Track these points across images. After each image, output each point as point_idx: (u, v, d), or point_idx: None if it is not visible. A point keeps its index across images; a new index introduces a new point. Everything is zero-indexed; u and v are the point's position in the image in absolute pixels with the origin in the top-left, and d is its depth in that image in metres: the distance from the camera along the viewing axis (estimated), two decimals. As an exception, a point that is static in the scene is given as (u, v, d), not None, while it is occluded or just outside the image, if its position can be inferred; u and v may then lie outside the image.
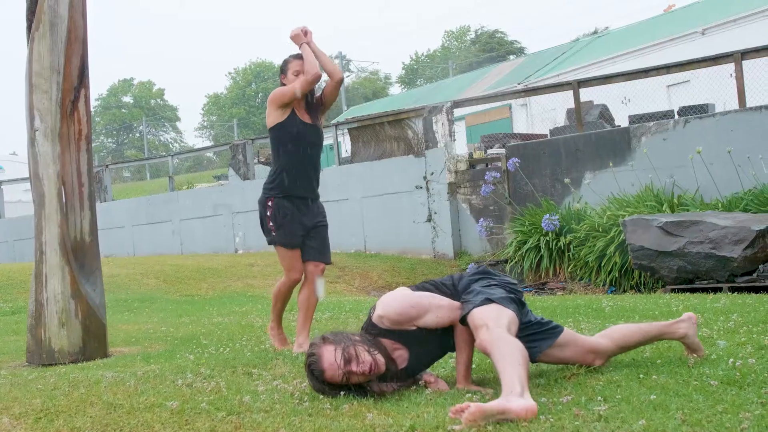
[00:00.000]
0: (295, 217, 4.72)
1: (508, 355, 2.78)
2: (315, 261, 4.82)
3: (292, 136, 4.72)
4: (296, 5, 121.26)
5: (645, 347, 3.71)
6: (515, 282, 3.40)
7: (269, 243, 4.82)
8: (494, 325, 2.97)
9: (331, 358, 3.08)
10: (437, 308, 3.23)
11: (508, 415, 2.56)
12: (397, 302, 3.26)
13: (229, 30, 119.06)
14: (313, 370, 3.13)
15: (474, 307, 3.11)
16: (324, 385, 3.13)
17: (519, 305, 3.26)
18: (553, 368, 3.50)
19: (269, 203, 4.74)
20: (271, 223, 4.72)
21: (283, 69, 4.82)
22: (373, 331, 3.26)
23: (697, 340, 3.51)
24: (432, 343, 3.31)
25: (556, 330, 3.37)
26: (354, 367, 3.07)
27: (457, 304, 3.25)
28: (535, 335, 3.32)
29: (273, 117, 4.76)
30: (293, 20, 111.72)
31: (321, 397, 3.16)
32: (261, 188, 4.88)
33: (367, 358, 3.09)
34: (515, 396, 2.60)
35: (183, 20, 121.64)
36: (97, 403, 3.28)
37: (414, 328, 3.24)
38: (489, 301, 3.12)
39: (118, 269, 11.81)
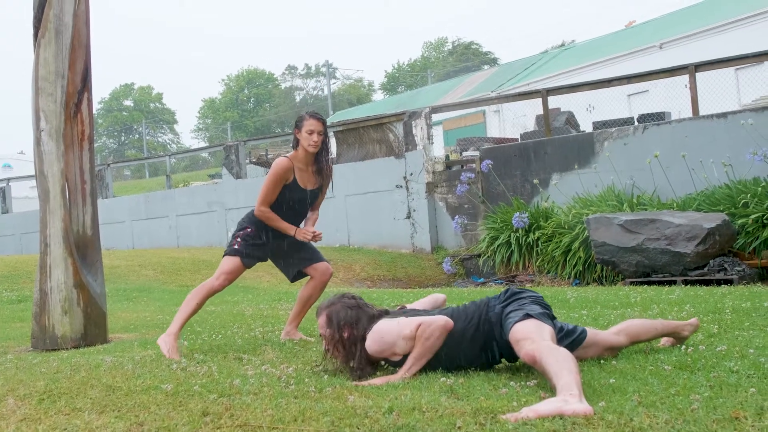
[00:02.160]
0: (263, 245, 4.49)
1: (563, 361, 2.69)
2: (320, 263, 4.61)
3: (285, 198, 4.46)
4: (285, 16, 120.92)
5: None
6: (542, 296, 3.34)
7: (226, 254, 4.47)
8: (538, 338, 2.92)
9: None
10: (401, 338, 3.20)
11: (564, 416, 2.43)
12: (373, 344, 3.27)
13: (224, 39, 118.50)
14: None
15: (515, 323, 3.06)
16: None
17: (551, 319, 3.23)
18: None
19: (248, 229, 4.48)
20: (239, 239, 4.46)
21: (298, 125, 4.43)
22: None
23: None
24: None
25: (582, 335, 3.33)
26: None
27: (418, 323, 3.18)
28: (567, 346, 3.22)
29: None
30: (284, 28, 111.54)
31: (306, 380, 3.16)
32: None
33: (326, 332, 3.36)
34: (574, 399, 2.47)
35: (181, 29, 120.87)
36: (97, 385, 3.26)
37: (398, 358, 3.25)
38: (528, 316, 3.07)
39: (118, 261, 11.72)
